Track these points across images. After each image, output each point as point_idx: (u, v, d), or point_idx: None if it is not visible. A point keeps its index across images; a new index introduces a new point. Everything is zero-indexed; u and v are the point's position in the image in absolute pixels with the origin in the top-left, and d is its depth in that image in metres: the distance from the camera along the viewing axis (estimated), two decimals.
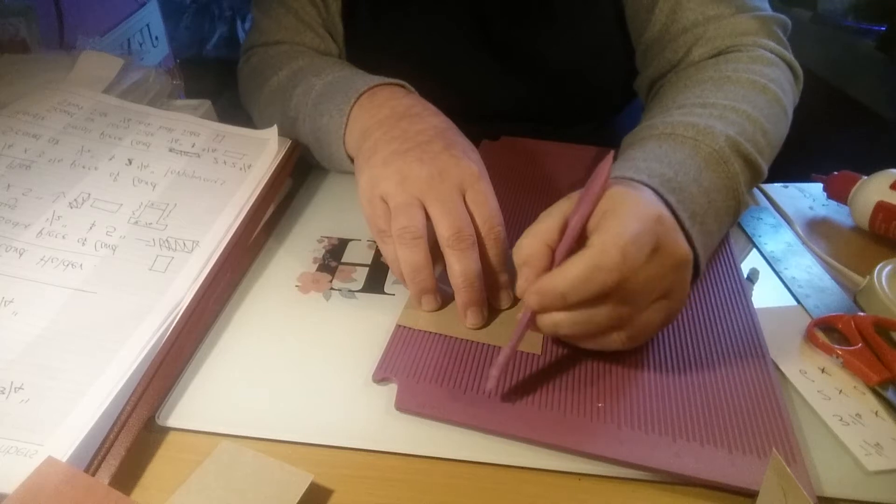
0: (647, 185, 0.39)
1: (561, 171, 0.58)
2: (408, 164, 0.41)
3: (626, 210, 0.34)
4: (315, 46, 0.64)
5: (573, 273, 0.32)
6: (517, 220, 0.50)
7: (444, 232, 0.39)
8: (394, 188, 0.41)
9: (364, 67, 0.61)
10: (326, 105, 0.52)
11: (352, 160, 0.50)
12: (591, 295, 0.32)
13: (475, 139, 0.47)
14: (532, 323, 0.35)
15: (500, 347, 0.39)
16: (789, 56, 0.55)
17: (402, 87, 0.52)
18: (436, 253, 0.40)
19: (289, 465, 0.31)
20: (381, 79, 0.52)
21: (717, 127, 0.45)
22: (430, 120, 0.46)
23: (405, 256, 0.40)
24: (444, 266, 0.40)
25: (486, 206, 0.41)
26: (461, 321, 0.40)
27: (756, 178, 0.48)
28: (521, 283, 0.36)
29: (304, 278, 0.46)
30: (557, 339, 0.39)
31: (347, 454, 0.34)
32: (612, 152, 0.39)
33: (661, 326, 0.36)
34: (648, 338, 0.38)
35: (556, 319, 0.34)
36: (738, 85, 0.50)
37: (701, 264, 0.40)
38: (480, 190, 0.41)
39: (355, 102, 0.50)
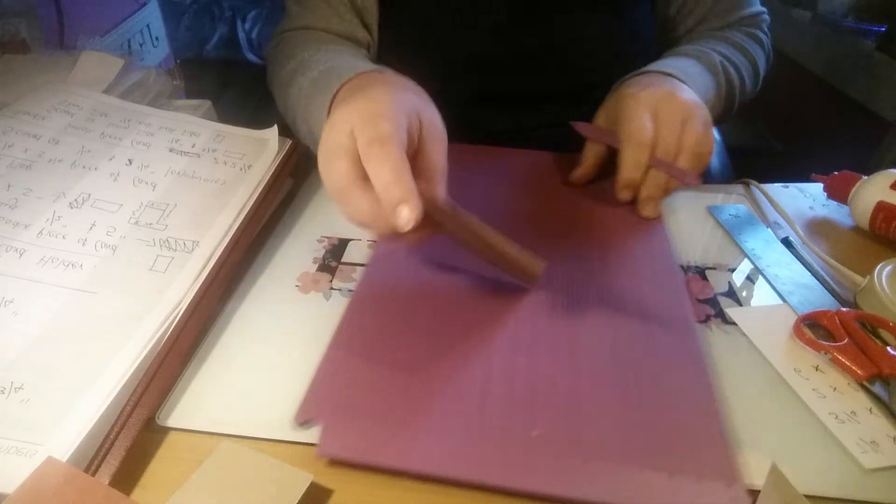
0: (652, 71, 0.55)
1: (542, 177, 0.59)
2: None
3: (626, 106, 0.51)
4: (340, 31, 0.65)
5: (626, 169, 0.51)
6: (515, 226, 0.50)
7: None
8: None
9: (396, 52, 0.63)
10: (312, 107, 0.52)
11: None
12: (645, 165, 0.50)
13: (486, 124, 0.58)
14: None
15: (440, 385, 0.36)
16: (767, 39, 0.70)
17: (377, 72, 0.49)
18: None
19: (289, 466, 0.31)
20: (360, 67, 0.49)
21: (713, 53, 0.61)
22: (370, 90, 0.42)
23: (376, 165, 0.34)
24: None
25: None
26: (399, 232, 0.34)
27: (726, 109, 0.63)
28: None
29: (304, 278, 0.46)
30: (497, 368, 0.37)
31: None
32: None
33: (704, 132, 0.50)
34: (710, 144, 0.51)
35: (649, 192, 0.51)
36: (729, 42, 0.65)
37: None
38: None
39: (332, 100, 0.48)
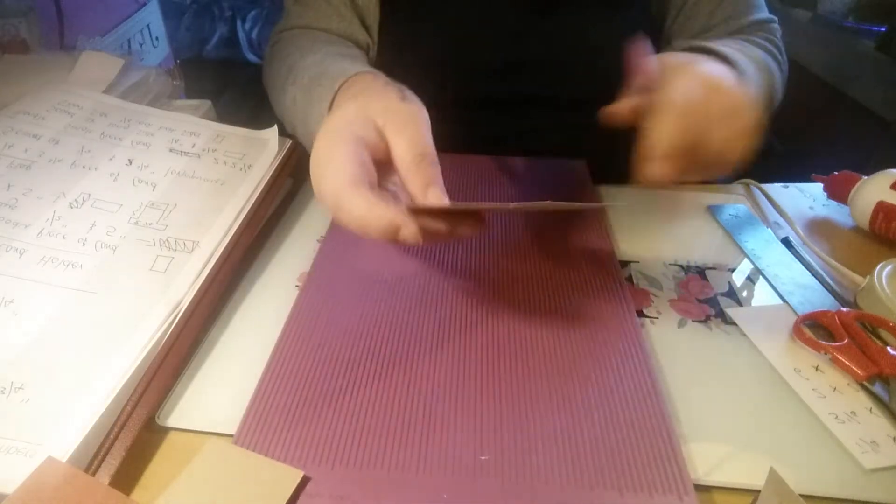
0: (706, 49, 0.47)
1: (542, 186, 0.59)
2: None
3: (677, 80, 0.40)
4: (340, 31, 0.64)
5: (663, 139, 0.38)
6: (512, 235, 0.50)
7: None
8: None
9: (396, 55, 0.61)
10: (310, 121, 0.50)
11: None
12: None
13: (486, 128, 0.55)
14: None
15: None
16: (781, 47, 0.65)
17: (360, 75, 0.48)
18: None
19: (278, 462, 0.31)
20: (349, 72, 0.48)
21: (754, 49, 0.55)
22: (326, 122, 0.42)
23: (347, 215, 0.34)
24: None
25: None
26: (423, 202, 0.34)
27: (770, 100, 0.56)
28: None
29: (304, 278, 0.46)
30: (436, 387, 0.36)
31: None
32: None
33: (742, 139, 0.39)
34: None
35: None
36: (754, 44, 0.59)
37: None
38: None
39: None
